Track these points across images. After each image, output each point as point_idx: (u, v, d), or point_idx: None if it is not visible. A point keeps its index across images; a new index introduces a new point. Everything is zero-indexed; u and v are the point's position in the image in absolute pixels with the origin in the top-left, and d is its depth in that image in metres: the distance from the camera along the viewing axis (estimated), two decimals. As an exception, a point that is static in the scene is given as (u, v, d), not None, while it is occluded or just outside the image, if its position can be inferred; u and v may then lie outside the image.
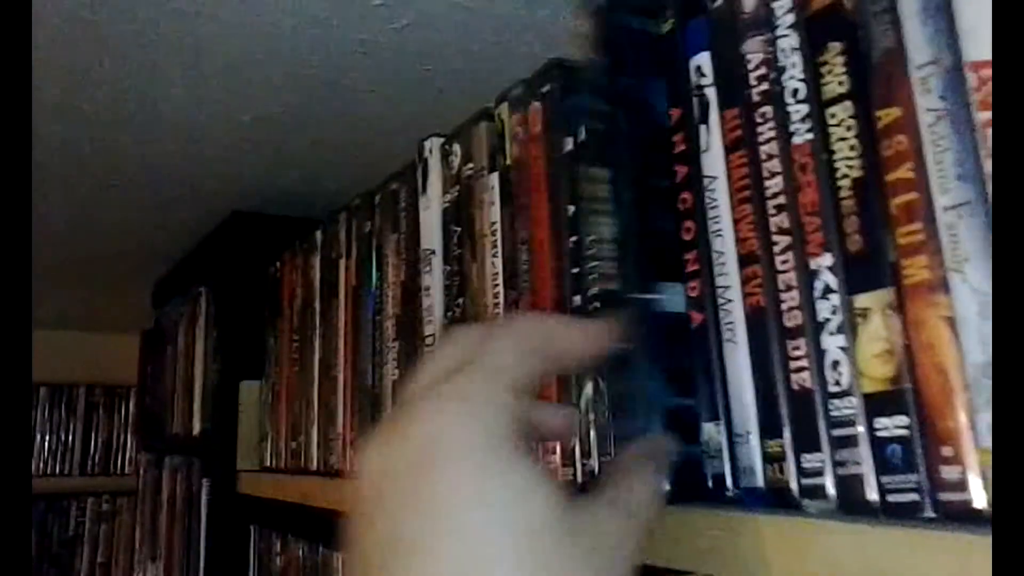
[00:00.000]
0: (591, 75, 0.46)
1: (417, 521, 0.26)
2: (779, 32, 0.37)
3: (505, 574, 0.25)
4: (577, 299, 0.49)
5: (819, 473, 0.33)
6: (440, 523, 0.26)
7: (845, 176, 0.33)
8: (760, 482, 0.35)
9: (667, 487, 0.33)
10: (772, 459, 0.35)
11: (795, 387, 0.34)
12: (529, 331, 0.32)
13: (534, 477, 0.27)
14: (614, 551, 0.28)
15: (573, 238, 0.50)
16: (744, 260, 0.37)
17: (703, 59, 0.41)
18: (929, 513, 0.29)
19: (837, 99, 0.34)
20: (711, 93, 0.40)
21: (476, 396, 0.28)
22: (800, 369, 0.34)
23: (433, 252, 0.67)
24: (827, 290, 0.33)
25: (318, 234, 0.95)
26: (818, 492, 0.33)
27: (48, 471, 2.58)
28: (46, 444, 2.61)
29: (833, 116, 0.34)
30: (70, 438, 2.65)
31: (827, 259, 0.34)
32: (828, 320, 0.33)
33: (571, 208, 0.50)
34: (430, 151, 0.69)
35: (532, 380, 0.31)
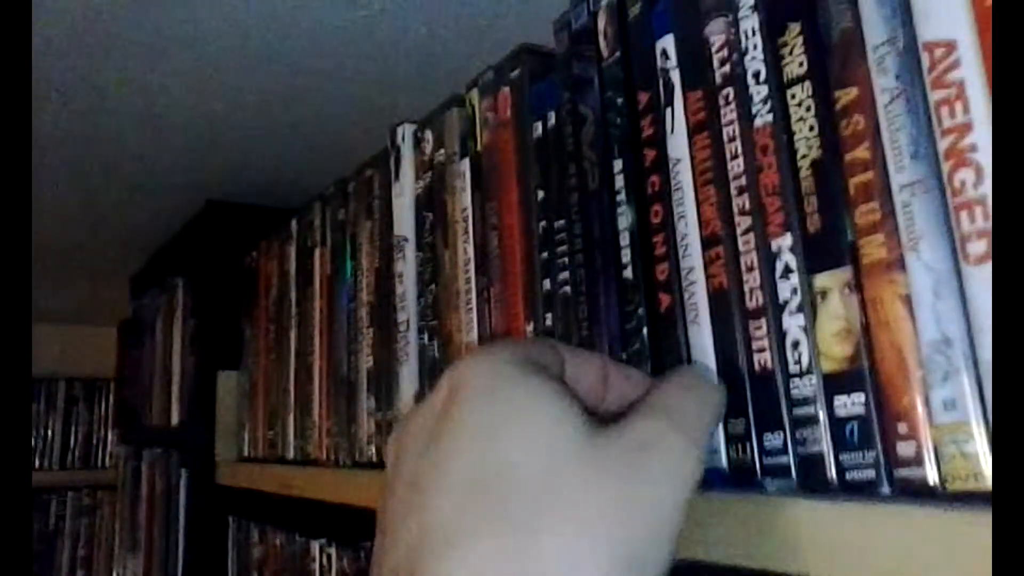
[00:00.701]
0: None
1: (427, 464, 0.25)
2: (740, 13, 0.37)
3: (513, 498, 0.23)
4: (547, 284, 0.49)
5: (780, 452, 0.33)
6: (439, 469, 0.25)
7: (804, 156, 0.34)
8: (723, 462, 0.35)
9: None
10: (735, 439, 0.35)
11: (756, 367, 0.34)
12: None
13: (549, 395, 0.25)
14: (663, 467, 0.25)
15: (543, 223, 0.50)
16: (707, 242, 0.37)
17: (667, 42, 0.41)
18: (885, 489, 0.29)
19: (797, 80, 0.34)
20: (675, 76, 0.40)
21: (490, 349, 0.28)
22: (761, 349, 0.34)
23: (406, 239, 0.67)
24: (787, 270, 0.34)
25: (293, 223, 0.94)
26: (779, 471, 0.33)
27: (28, 466, 2.57)
28: (25, 438, 2.59)
29: (793, 97, 0.34)
30: (50, 432, 2.63)
31: (787, 239, 0.34)
32: (788, 300, 0.33)
33: (540, 193, 0.50)
34: (402, 138, 0.68)
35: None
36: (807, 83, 0.34)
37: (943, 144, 0.28)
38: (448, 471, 0.25)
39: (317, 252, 0.87)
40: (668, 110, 0.40)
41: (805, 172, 0.33)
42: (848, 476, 0.30)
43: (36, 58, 0.80)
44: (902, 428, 0.29)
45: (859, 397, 0.30)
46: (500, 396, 0.25)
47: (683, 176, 0.38)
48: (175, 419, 1.27)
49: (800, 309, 0.33)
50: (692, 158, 0.38)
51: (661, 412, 0.27)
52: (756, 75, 0.36)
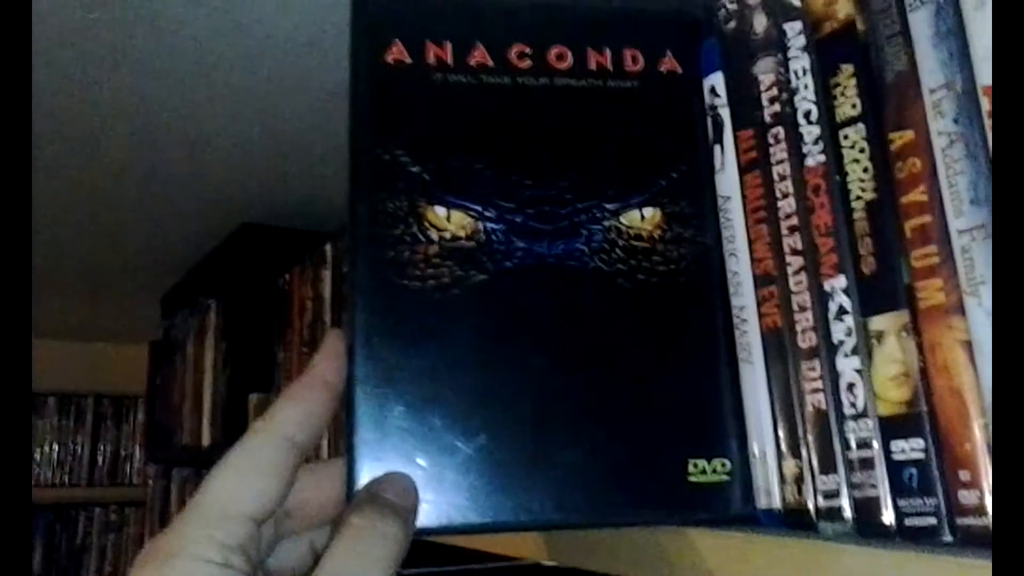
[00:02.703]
0: None
1: None
2: (791, 54, 0.37)
3: None
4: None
5: (835, 495, 0.33)
6: None
7: (859, 198, 0.34)
8: (777, 503, 0.35)
9: (405, 546, 0.29)
10: (789, 481, 0.35)
11: (810, 408, 0.34)
12: (250, 449, 0.30)
13: None
14: None
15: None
16: (760, 280, 0.37)
17: (716, 79, 0.41)
18: (947, 537, 0.29)
19: (850, 121, 0.34)
20: (725, 113, 0.40)
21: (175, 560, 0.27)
22: (815, 390, 0.34)
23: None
24: (841, 311, 0.34)
25: (328, 247, 0.95)
26: (835, 514, 0.33)
27: (56, 481, 2.59)
28: (54, 454, 2.62)
29: (846, 138, 0.34)
30: (78, 448, 2.66)
31: (841, 280, 0.34)
32: (843, 342, 0.33)
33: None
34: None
35: (268, 503, 0.29)
36: (860, 124, 0.34)
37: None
38: None
39: (352, 277, 0.88)
40: (717, 147, 0.40)
41: (859, 213, 0.33)
42: (907, 522, 0.30)
43: (82, 81, 0.82)
44: (964, 475, 0.28)
45: (918, 442, 0.30)
46: None
47: (734, 214, 0.38)
48: (206, 440, 1.28)
49: (855, 351, 0.33)
50: (743, 196, 0.38)
51: None
52: (807, 115, 0.36)
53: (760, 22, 0.39)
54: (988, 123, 0.29)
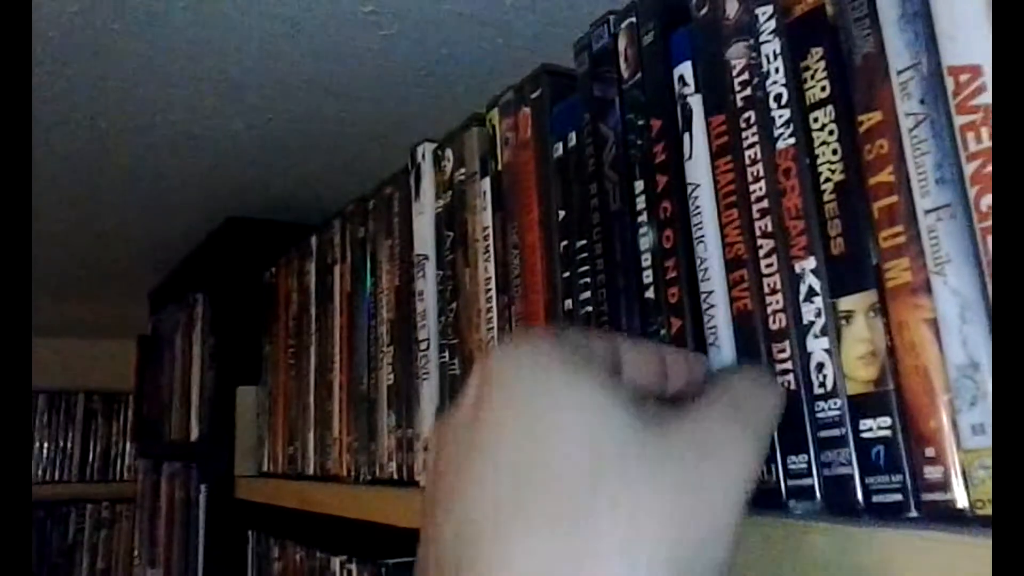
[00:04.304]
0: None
1: (465, 455, 0.24)
2: (762, 38, 0.37)
3: (559, 506, 0.22)
4: (568, 303, 0.49)
5: (805, 474, 0.33)
6: (483, 456, 0.24)
7: (828, 180, 0.34)
8: (748, 484, 0.35)
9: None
10: (759, 461, 0.35)
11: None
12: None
13: (591, 386, 0.24)
14: (727, 462, 0.25)
15: (564, 242, 0.50)
16: (731, 264, 0.37)
17: (686, 68, 0.41)
18: (913, 513, 0.29)
19: (819, 104, 0.34)
20: (695, 101, 0.40)
21: (531, 337, 0.26)
22: (785, 371, 0.34)
23: (426, 257, 0.67)
24: (811, 293, 0.34)
25: (313, 240, 0.95)
26: (804, 493, 0.33)
27: (47, 478, 2.59)
28: (45, 451, 2.61)
29: (816, 121, 0.34)
30: (68, 445, 2.65)
31: (811, 262, 0.34)
32: (812, 323, 0.34)
33: (561, 213, 0.50)
34: (423, 156, 0.69)
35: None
36: (830, 107, 0.34)
37: (969, 169, 0.28)
38: (487, 462, 0.24)
39: (337, 269, 0.88)
40: (686, 135, 0.40)
41: (828, 195, 0.34)
42: (875, 499, 0.30)
43: (63, 75, 0.81)
44: (929, 452, 0.29)
45: (885, 420, 0.30)
46: (538, 386, 0.24)
47: (703, 200, 0.39)
48: (194, 434, 1.28)
49: (824, 332, 0.33)
50: (715, 181, 0.38)
51: (729, 408, 0.27)
52: (778, 98, 0.36)
53: (732, 7, 0.39)
54: (953, 103, 0.29)
